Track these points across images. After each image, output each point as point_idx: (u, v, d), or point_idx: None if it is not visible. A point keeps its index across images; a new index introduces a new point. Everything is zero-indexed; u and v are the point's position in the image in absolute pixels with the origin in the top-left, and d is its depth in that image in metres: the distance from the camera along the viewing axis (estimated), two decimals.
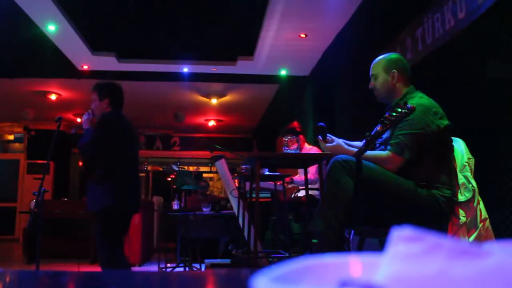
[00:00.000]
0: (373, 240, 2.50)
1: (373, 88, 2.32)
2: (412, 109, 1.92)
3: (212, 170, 10.74)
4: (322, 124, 2.31)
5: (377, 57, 2.36)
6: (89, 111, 3.08)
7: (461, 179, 2.19)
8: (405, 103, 1.96)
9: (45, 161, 3.18)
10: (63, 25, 5.49)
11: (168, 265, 4.73)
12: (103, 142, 2.91)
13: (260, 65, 6.67)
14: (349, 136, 2.71)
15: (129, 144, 3.08)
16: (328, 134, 2.29)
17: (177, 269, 4.51)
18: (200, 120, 10.26)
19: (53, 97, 8.14)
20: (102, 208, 2.87)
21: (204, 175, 11.86)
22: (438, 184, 2.06)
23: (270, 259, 3.63)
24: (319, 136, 2.29)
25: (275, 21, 5.23)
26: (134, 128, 3.24)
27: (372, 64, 2.34)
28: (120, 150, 2.98)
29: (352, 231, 2.97)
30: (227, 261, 4.93)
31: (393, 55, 2.37)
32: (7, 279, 0.67)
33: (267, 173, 3.59)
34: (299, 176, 4.36)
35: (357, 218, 2.17)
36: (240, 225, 4.09)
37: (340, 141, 2.28)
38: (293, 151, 3.06)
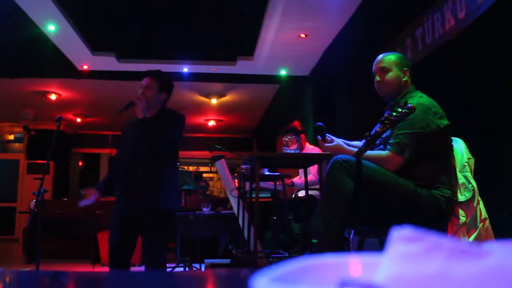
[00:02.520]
0: (373, 240, 2.50)
1: (381, 81, 2.28)
2: (413, 109, 1.92)
3: (212, 170, 10.74)
4: (320, 124, 2.31)
5: (378, 56, 2.35)
6: (143, 97, 2.70)
7: (461, 179, 2.19)
8: (405, 103, 1.96)
9: (45, 161, 3.15)
10: (63, 25, 5.49)
11: (168, 265, 4.72)
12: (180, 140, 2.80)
13: (260, 65, 6.67)
14: (349, 136, 2.71)
15: None
16: (327, 134, 2.29)
17: (177, 269, 4.51)
18: (200, 120, 10.26)
19: (53, 97, 8.14)
20: (175, 209, 2.82)
21: (204, 175, 11.85)
22: (438, 184, 2.06)
23: (270, 259, 3.63)
24: (318, 136, 2.29)
25: (275, 21, 5.23)
26: None
27: (382, 58, 2.31)
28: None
29: (352, 231, 2.98)
30: (227, 261, 4.93)
31: (400, 54, 2.39)
32: (7, 279, 0.67)
33: (267, 173, 3.58)
34: (299, 178, 4.36)
35: (357, 218, 2.17)
36: (240, 225, 4.09)
37: (340, 141, 2.28)
38: (293, 151, 3.05)
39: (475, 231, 2.11)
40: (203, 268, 4.62)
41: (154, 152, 2.66)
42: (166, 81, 2.81)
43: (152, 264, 2.65)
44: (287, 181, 3.98)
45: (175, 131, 2.73)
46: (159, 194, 2.65)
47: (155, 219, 2.64)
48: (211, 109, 9.28)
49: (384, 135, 2.12)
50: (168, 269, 4.62)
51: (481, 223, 2.13)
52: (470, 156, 2.28)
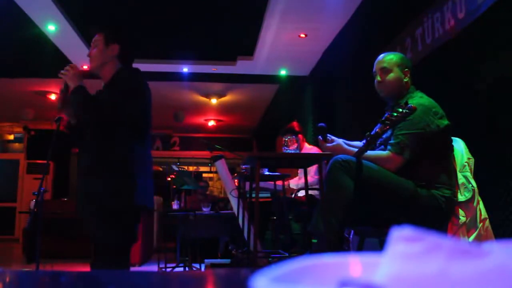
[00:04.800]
0: (373, 240, 2.50)
1: (381, 82, 2.27)
2: (413, 109, 1.92)
3: (212, 170, 10.74)
4: (322, 124, 2.31)
5: (379, 55, 2.35)
6: (71, 64, 2.24)
7: (461, 179, 2.19)
8: (406, 103, 1.96)
9: (45, 161, 3.12)
10: (63, 25, 5.49)
11: (168, 265, 4.73)
12: (134, 107, 2.13)
13: (260, 65, 6.67)
14: (349, 136, 2.71)
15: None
16: (328, 135, 2.29)
17: (177, 269, 4.51)
18: (200, 120, 10.26)
19: (53, 97, 8.14)
20: (127, 205, 2.13)
21: (204, 175, 11.86)
22: (438, 184, 2.06)
23: (270, 259, 3.63)
24: (320, 137, 2.29)
25: (275, 21, 5.23)
26: None
27: (383, 58, 2.29)
28: (148, 125, 2.22)
29: (352, 231, 2.98)
30: (227, 261, 4.93)
31: (402, 54, 2.38)
32: (7, 279, 0.67)
33: (267, 173, 3.59)
34: (297, 178, 4.36)
35: (357, 218, 2.17)
36: (240, 225, 4.09)
37: (340, 141, 2.28)
38: (293, 151, 3.05)
39: (475, 231, 2.11)
40: (203, 268, 4.62)
41: (101, 130, 2.12)
42: (113, 29, 2.29)
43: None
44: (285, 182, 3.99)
45: (126, 100, 2.10)
46: (102, 186, 2.08)
47: (97, 219, 2.11)
48: (211, 109, 9.29)
49: (384, 136, 2.12)
50: (168, 269, 4.63)
51: (481, 223, 2.13)
52: (470, 156, 2.28)
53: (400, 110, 1.93)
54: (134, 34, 6.08)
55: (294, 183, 4.33)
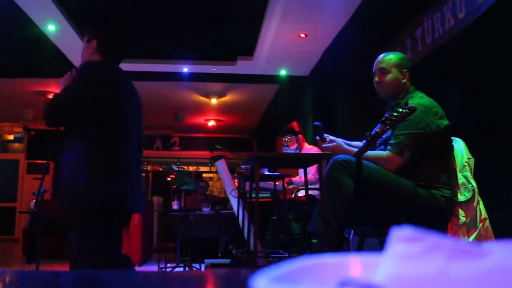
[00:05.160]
0: (373, 240, 2.50)
1: (379, 82, 2.28)
2: (413, 109, 1.92)
3: (212, 170, 10.75)
4: (318, 123, 2.31)
5: (378, 55, 2.35)
6: (73, 68, 2.27)
7: (461, 179, 2.19)
8: (406, 103, 1.95)
9: (45, 161, 3.11)
10: (63, 25, 5.49)
11: (168, 265, 4.73)
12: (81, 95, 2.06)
13: (260, 65, 6.67)
14: (349, 136, 2.71)
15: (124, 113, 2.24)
16: (326, 134, 2.28)
17: (177, 269, 4.51)
18: (200, 120, 10.26)
19: None
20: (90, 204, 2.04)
21: (204, 175, 11.87)
22: (438, 184, 2.06)
23: (270, 259, 3.63)
24: (317, 136, 2.28)
25: (275, 21, 5.23)
26: (136, 95, 2.44)
27: (382, 58, 2.30)
28: (109, 118, 2.14)
29: (352, 231, 2.98)
30: (227, 261, 4.93)
31: (402, 54, 2.38)
32: (7, 279, 0.67)
33: (267, 173, 3.58)
34: (298, 178, 4.37)
35: (357, 218, 2.17)
36: (240, 225, 4.09)
37: (340, 141, 2.28)
38: (293, 151, 3.05)
39: (475, 231, 2.11)
40: (203, 268, 4.62)
41: (69, 130, 2.16)
42: (93, 26, 2.29)
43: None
44: (286, 179, 3.99)
45: (70, 86, 2.07)
46: (64, 187, 2.06)
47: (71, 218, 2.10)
48: (211, 109, 9.29)
49: (384, 136, 2.12)
50: (168, 269, 4.63)
51: (481, 223, 2.13)
52: (470, 156, 2.28)
53: (400, 110, 1.93)
54: (134, 34, 6.09)
55: (297, 181, 4.33)
